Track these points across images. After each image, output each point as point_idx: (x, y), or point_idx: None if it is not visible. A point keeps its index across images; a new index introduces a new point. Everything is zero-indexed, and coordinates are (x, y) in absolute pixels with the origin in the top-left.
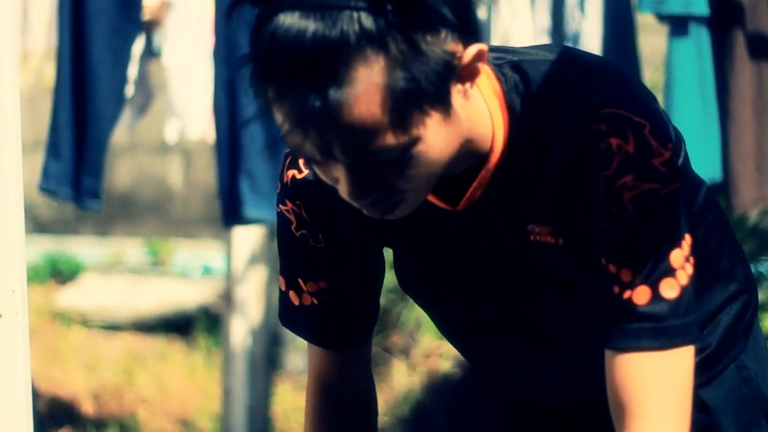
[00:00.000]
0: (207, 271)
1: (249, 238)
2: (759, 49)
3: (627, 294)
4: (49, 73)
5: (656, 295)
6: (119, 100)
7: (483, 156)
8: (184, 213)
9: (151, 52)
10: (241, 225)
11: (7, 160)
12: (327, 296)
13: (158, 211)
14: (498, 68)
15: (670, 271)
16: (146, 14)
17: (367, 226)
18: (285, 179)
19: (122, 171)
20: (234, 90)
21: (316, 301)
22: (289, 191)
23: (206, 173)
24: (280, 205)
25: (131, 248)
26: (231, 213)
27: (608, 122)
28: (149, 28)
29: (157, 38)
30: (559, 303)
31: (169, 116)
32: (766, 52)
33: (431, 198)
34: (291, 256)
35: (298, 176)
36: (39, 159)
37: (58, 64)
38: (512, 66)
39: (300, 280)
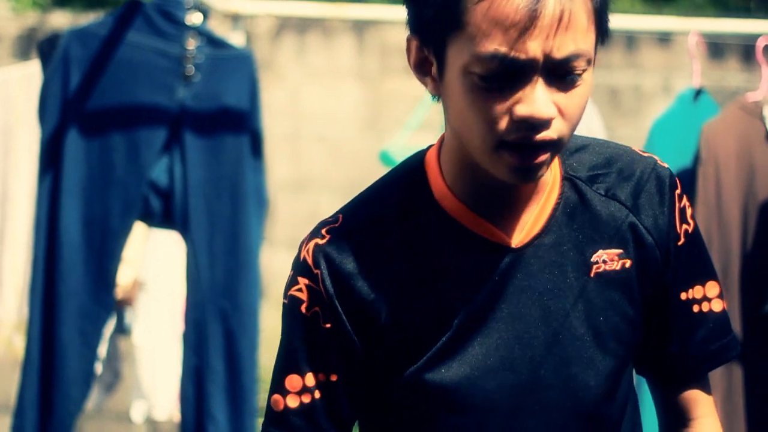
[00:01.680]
0: None
1: None
2: None
3: (716, 307)
4: (19, 344)
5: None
6: (86, 383)
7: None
8: None
9: (121, 330)
10: None
11: None
12: (324, 391)
13: None
14: None
15: None
16: (119, 293)
17: (399, 286)
18: (302, 255)
19: None
20: (201, 378)
21: (310, 399)
22: (306, 265)
23: None
24: (291, 290)
25: None
26: None
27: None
28: (121, 306)
29: (129, 316)
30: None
31: (136, 397)
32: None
33: (490, 233)
34: (292, 348)
35: (321, 242)
36: (5, 421)
37: (27, 344)
38: None
39: (292, 377)
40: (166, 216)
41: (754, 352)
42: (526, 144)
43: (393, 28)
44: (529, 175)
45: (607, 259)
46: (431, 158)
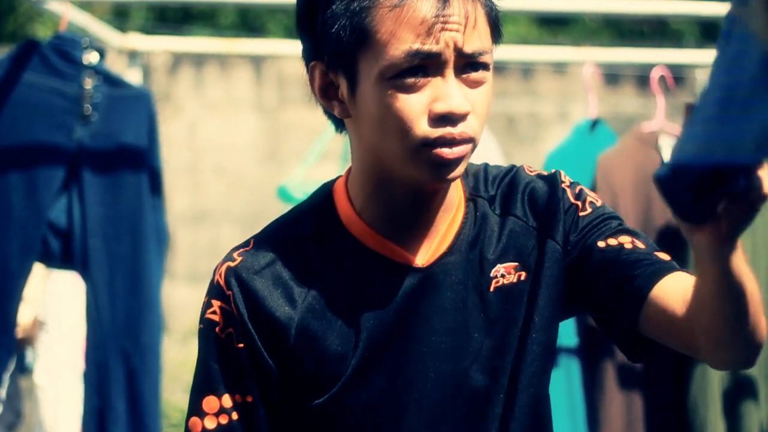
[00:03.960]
0: None
1: None
2: (628, 381)
3: (643, 248)
4: None
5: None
6: None
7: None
8: None
9: (22, 369)
10: None
11: None
12: (241, 412)
13: None
14: None
15: None
16: (19, 332)
17: (310, 308)
18: (215, 279)
19: None
20: (104, 419)
21: (227, 420)
22: (219, 287)
23: None
24: (206, 314)
25: None
26: None
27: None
28: (21, 345)
29: (29, 355)
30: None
31: None
32: (635, 383)
33: (398, 254)
34: (208, 370)
35: (233, 264)
36: None
37: None
38: None
39: (209, 398)
40: (65, 256)
41: (654, 381)
42: (447, 141)
43: (290, 59)
44: (451, 169)
45: (505, 272)
46: (339, 188)
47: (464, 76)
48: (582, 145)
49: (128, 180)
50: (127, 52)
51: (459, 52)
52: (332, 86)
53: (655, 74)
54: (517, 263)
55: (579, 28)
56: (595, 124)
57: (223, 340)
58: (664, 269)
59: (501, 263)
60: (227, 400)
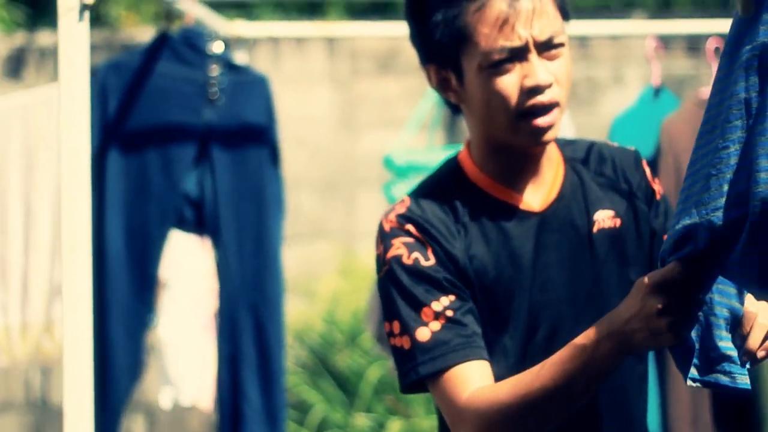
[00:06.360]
0: None
1: None
2: None
3: None
4: (47, 345)
5: None
6: (134, 375)
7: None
8: None
9: None
10: None
11: None
12: (454, 310)
13: None
14: None
15: None
16: None
17: (460, 245)
18: (388, 227)
19: None
20: (236, 364)
21: (447, 318)
22: (394, 229)
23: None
24: (388, 256)
25: None
26: None
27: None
28: None
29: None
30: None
31: (163, 384)
32: None
33: (519, 201)
34: (409, 294)
35: (402, 210)
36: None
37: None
38: None
39: (424, 310)
40: (198, 223)
41: None
42: (538, 108)
43: (361, 38)
44: (545, 134)
45: (605, 217)
46: (463, 156)
47: (544, 53)
48: (647, 111)
49: (252, 155)
50: (233, 38)
51: (535, 40)
52: (446, 81)
53: (710, 45)
54: (613, 211)
55: None
56: (658, 91)
57: (411, 266)
58: None
59: (601, 209)
60: (437, 305)
